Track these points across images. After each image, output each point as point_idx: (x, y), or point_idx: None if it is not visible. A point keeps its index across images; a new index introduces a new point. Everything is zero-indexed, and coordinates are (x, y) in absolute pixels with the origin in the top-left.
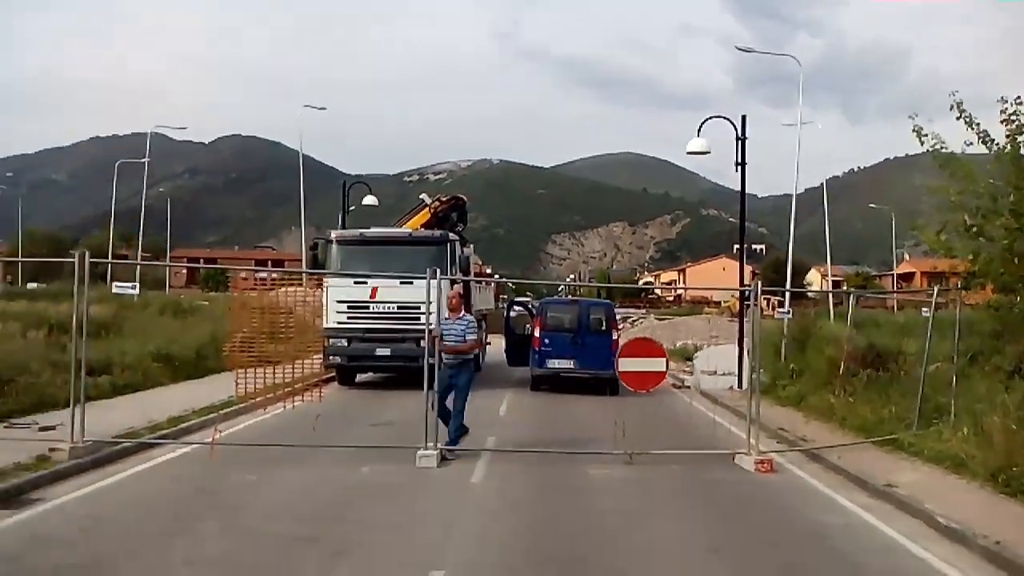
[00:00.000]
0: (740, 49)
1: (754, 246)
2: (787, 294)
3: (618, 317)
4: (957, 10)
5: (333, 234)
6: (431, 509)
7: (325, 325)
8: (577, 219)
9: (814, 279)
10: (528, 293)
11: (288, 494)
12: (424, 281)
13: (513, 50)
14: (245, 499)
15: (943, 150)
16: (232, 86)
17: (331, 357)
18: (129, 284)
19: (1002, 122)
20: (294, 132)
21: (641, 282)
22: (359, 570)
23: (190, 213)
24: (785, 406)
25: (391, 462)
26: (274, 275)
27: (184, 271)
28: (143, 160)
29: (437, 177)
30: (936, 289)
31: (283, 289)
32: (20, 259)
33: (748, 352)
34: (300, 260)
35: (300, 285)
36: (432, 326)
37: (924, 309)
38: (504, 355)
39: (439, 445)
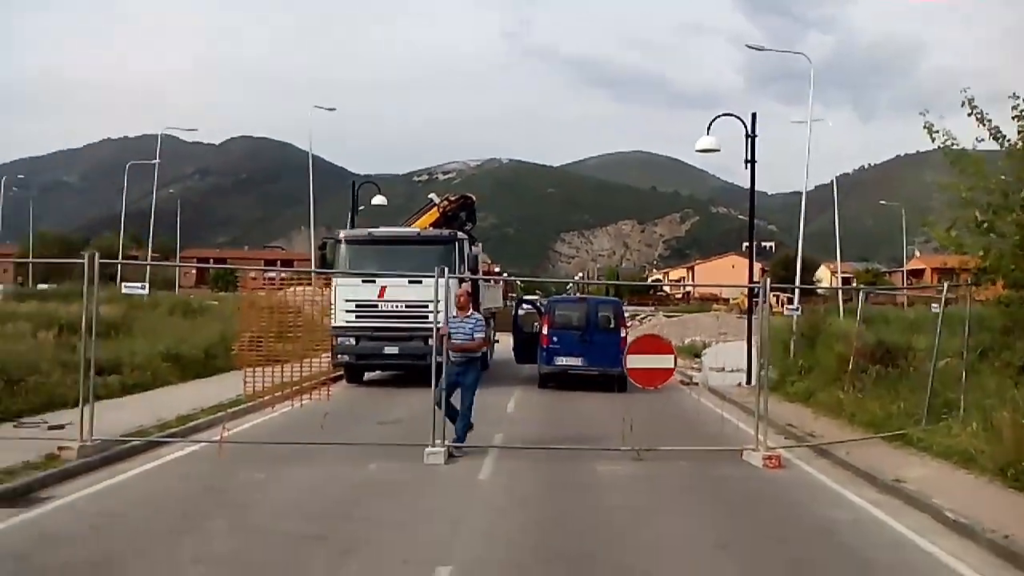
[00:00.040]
0: (751, 47)
1: (763, 243)
2: (796, 291)
3: (626, 315)
4: (969, 4)
5: (342, 234)
6: (439, 506)
7: (333, 324)
8: (586, 217)
9: (824, 276)
10: (537, 291)
11: (296, 492)
12: (432, 280)
13: (522, 49)
14: (253, 497)
15: (954, 146)
16: (242, 87)
17: (339, 355)
18: (139, 284)
19: (1014, 118)
20: (304, 133)
21: (650, 280)
22: (367, 567)
23: (200, 214)
24: (794, 402)
25: (399, 460)
26: (283, 275)
27: (194, 271)
28: (154, 162)
29: (446, 177)
30: (946, 285)
31: (292, 288)
32: (31, 260)
33: (757, 349)
34: (309, 260)
35: (309, 284)
36: (440, 324)
37: (934, 305)
38: (512, 353)
39: (447, 442)
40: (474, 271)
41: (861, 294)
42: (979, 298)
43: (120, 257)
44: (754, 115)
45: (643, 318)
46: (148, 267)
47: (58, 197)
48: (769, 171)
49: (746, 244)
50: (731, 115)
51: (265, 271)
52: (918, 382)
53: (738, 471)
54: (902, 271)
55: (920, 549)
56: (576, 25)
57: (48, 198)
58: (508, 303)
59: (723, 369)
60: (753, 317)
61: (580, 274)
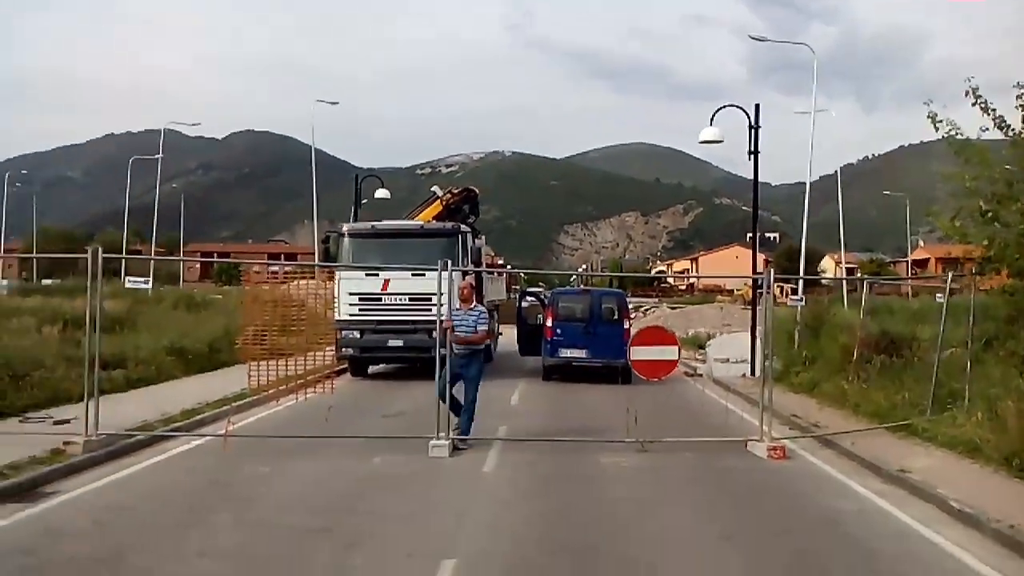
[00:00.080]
0: (753, 38)
1: (767, 234)
2: (800, 281)
3: (630, 306)
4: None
5: (345, 227)
6: (443, 499)
7: (337, 317)
8: (590, 209)
9: (828, 266)
10: (540, 283)
11: (301, 485)
12: (436, 273)
13: (525, 41)
14: (258, 491)
15: (958, 136)
16: (244, 81)
17: (343, 349)
18: (142, 279)
19: (1018, 107)
20: (306, 126)
21: (654, 271)
22: (372, 560)
23: (203, 209)
24: (798, 393)
25: (403, 453)
26: (286, 268)
27: (197, 266)
28: (156, 157)
29: (449, 169)
30: (950, 275)
31: (295, 282)
32: (35, 255)
33: (761, 339)
34: (313, 254)
35: (312, 278)
36: (443, 317)
37: (938, 295)
38: (516, 345)
39: (451, 435)
40: (477, 264)
41: (865, 284)
42: (983, 287)
43: (124, 252)
44: (757, 106)
45: (647, 310)
46: (152, 262)
47: (61, 192)
48: (772, 162)
49: (750, 235)
50: (734, 106)
51: (269, 264)
52: (923, 372)
53: (743, 462)
54: (906, 261)
55: (925, 539)
56: (579, 16)
57: (51, 194)
58: (512, 295)
59: (727, 360)
60: (757, 308)
61: (584, 266)
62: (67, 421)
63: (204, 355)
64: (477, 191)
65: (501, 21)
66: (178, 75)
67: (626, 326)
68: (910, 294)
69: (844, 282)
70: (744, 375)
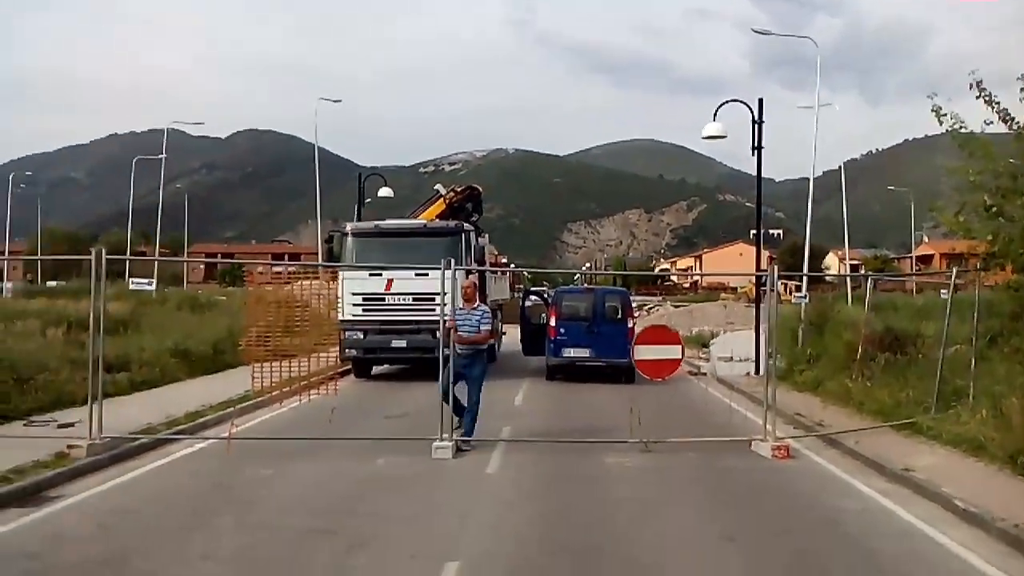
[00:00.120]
0: (757, 32)
1: (771, 231)
2: (804, 278)
3: (634, 305)
4: None
5: (348, 226)
6: (446, 500)
7: (341, 318)
8: (593, 207)
9: (832, 263)
10: (544, 282)
11: (304, 487)
12: (439, 272)
13: (528, 38)
14: (261, 493)
15: (962, 130)
16: (244, 81)
17: (347, 350)
18: (146, 280)
19: (1022, 100)
20: (309, 125)
21: (657, 269)
22: (374, 562)
23: (207, 208)
24: (802, 391)
25: (406, 454)
26: (290, 268)
27: (202, 267)
28: (160, 157)
29: (453, 168)
30: (955, 271)
31: (299, 282)
32: (39, 257)
33: (765, 338)
34: (316, 253)
35: (316, 278)
36: (447, 316)
37: (943, 291)
38: (520, 345)
39: (454, 436)
40: (481, 262)
41: (869, 281)
42: (988, 283)
43: (128, 253)
44: (761, 101)
45: (651, 308)
46: (156, 263)
47: (65, 193)
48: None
49: (754, 232)
50: (738, 101)
51: (272, 265)
52: (927, 369)
53: (746, 462)
54: (911, 257)
55: (929, 539)
56: (581, 12)
57: (56, 194)
58: (515, 294)
59: (731, 359)
60: (761, 306)
61: (587, 264)
62: (71, 424)
63: (208, 357)
64: (480, 189)
65: (502, 18)
66: (179, 75)
67: (630, 325)
68: (914, 290)
69: (848, 279)
70: (748, 374)
